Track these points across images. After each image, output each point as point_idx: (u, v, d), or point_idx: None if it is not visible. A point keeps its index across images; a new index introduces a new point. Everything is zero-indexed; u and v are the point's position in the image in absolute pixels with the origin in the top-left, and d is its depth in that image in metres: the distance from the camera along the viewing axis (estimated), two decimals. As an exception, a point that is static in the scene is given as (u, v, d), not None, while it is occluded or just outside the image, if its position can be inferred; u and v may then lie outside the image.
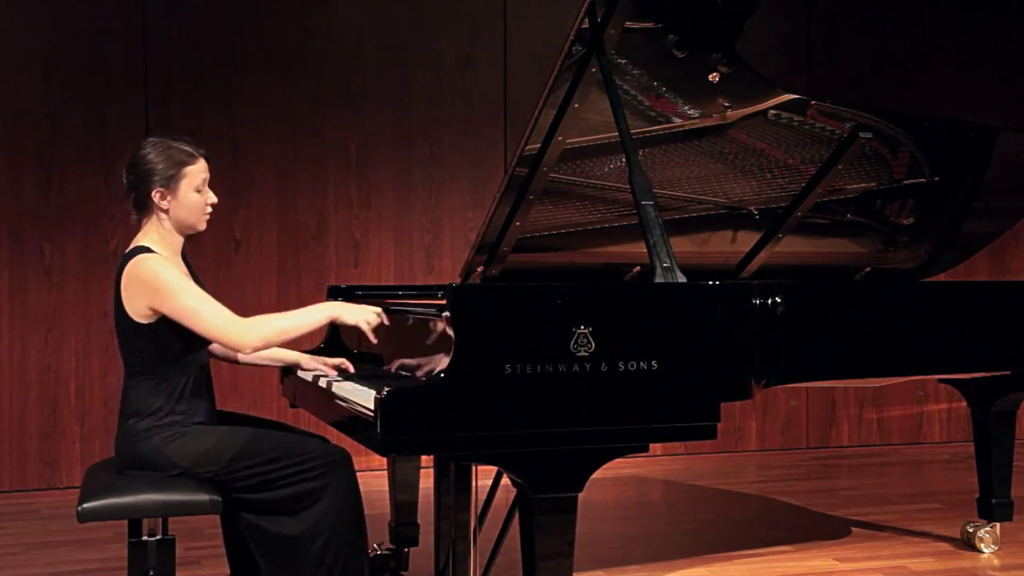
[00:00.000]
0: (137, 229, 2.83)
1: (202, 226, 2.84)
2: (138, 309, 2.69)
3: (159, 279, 2.65)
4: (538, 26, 5.78)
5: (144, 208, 2.78)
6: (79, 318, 5.29)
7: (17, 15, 5.24)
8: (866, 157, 3.68)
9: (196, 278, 2.87)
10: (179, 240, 2.83)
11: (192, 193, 2.77)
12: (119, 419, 2.79)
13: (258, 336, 2.66)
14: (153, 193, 2.74)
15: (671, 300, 2.60)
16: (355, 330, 2.86)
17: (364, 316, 2.77)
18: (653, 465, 5.79)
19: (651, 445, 2.55)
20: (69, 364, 5.30)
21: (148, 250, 2.73)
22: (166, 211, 2.76)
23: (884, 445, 6.46)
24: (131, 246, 2.78)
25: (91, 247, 5.32)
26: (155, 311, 2.67)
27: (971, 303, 3.38)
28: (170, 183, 2.74)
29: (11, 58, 5.23)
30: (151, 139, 2.80)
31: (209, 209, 2.83)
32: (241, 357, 3.00)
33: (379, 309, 2.82)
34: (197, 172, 2.78)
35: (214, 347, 2.91)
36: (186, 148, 2.78)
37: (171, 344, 2.71)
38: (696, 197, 3.65)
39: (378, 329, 2.81)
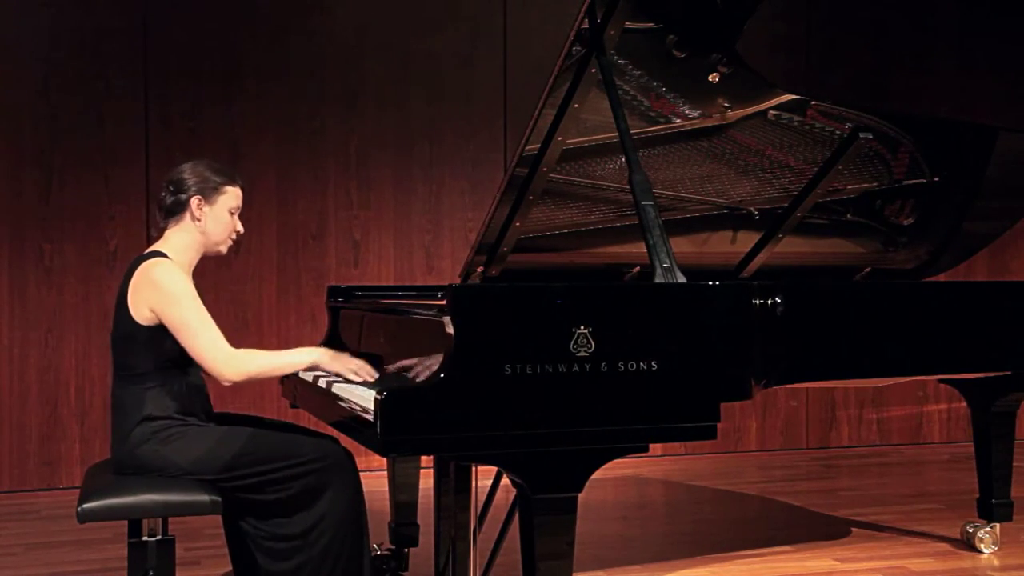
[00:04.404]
0: (156, 236, 2.88)
1: (224, 248, 2.91)
2: (142, 311, 2.71)
3: (170, 284, 2.69)
4: (538, 26, 5.78)
5: (176, 214, 2.83)
6: (79, 318, 5.29)
7: (17, 15, 5.23)
8: (866, 157, 3.68)
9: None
10: (196, 256, 2.87)
11: (226, 212, 2.85)
12: (113, 426, 2.80)
13: (243, 372, 2.69)
14: (192, 199, 2.80)
15: (671, 300, 2.60)
16: (355, 330, 2.86)
17: (347, 366, 2.80)
18: (653, 465, 5.79)
19: (651, 445, 2.55)
20: (69, 364, 5.30)
21: (164, 256, 2.78)
22: (199, 220, 2.82)
23: (884, 445, 6.46)
24: (148, 250, 2.83)
25: (91, 247, 5.32)
26: (155, 315, 2.70)
27: (971, 303, 3.38)
28: (210, 194, 2.83)
29: (11, 58, 5.23)
30: (195, 160, 2.90)
31: (235, 235, 2.90)
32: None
33: (368, 369, 2.82)
34: (233, 195, 2.88)
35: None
36: (228, 172, 2.89)
37: (170, 349, 2.72)
38: (696, 197, 3.65)
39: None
